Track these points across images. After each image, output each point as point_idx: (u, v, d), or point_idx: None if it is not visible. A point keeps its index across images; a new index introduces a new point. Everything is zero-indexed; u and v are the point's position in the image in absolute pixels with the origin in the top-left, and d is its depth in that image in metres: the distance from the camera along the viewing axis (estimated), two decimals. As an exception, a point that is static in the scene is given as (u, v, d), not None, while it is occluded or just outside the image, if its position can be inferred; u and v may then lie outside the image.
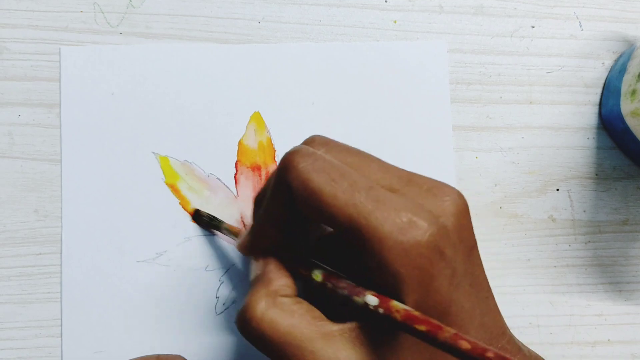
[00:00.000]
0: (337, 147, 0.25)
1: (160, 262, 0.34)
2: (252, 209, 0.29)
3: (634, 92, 0.33)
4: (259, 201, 0.28)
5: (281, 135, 0.35)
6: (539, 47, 0.37)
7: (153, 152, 0.34)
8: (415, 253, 0.21)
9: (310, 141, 0.25)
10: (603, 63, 0.37)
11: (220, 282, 0.34)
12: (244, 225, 0.34)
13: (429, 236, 0.21)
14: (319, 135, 0.25)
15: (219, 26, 0.36)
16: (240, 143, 0.35)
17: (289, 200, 0.23)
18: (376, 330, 0.22)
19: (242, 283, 0.34)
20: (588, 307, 0.36)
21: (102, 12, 0.35)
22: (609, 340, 0.35)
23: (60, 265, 0.33)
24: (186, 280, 0.34)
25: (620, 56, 0.37)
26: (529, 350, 0.26)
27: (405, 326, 0.21)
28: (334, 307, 0.24)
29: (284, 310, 0.23)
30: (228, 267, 0.34)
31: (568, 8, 0.37)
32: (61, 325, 0.33)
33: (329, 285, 0.24)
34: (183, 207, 0.34)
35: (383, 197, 0.22)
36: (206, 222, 0.33)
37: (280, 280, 0.25)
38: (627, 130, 0.34)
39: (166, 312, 0.33)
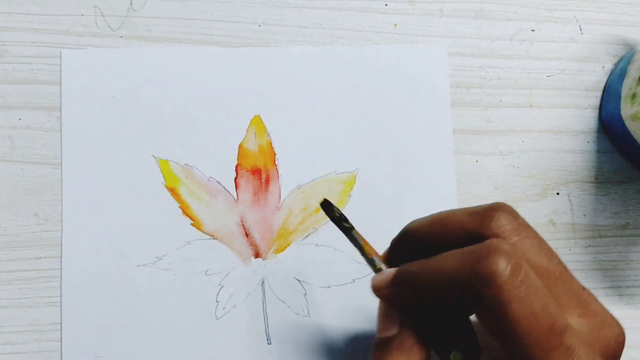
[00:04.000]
0: (531, 240, 0.24)
1: (160, 266, 0.34)
2: (390, 247, 0.27)
3: (634, 96, 0.33)
4: (395, 245, 0.27)
5: (282, 139, 0.35)
6: (539, 51, 0.37)
7: (153, 156, 0.34)
8: None
9: (499, 210, 0.24)
10: (603, 66, 0.37)
11: (220, 286, 0.34)
12: (245, 228, 0.34)
13: None
14: (509, 209, 0.24)
15: (220, 29, 0.36)
16: (240, 146, 0.35)
17: (467, 300, 0.23)
18: None
19: (242, 287, 0.34)
20: (588, 311, 0.36)
21: (103, 16, 0.35)
22: (609, 344, 0.35)
23: (60, 269, 0.33)
24: (186, 284, 0.33)
25: (620, 60, 0.37)
26: None
27: None
28: None
29: None
30: (228, 271, 0.34)
31: (568, 11, 0.37)
32: (61, 329, 0.33)
33: None
34: (183, 210, 0.34)
35: (572, 344, 0.22)
36: (336, 218, 0.29)
37: (420, 355, 0.24)
38: (627, 133, 0.34)
39: (166, 316, 0.33)
